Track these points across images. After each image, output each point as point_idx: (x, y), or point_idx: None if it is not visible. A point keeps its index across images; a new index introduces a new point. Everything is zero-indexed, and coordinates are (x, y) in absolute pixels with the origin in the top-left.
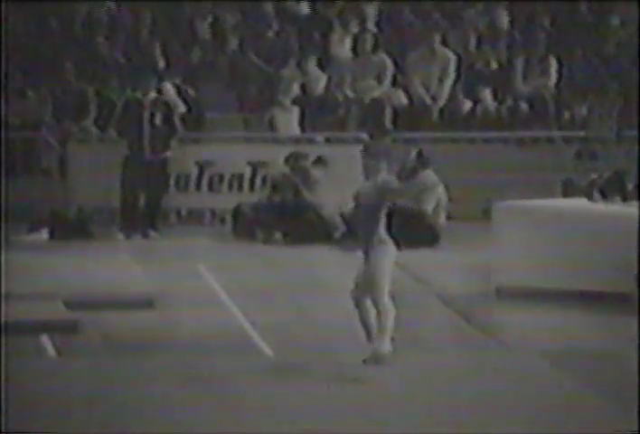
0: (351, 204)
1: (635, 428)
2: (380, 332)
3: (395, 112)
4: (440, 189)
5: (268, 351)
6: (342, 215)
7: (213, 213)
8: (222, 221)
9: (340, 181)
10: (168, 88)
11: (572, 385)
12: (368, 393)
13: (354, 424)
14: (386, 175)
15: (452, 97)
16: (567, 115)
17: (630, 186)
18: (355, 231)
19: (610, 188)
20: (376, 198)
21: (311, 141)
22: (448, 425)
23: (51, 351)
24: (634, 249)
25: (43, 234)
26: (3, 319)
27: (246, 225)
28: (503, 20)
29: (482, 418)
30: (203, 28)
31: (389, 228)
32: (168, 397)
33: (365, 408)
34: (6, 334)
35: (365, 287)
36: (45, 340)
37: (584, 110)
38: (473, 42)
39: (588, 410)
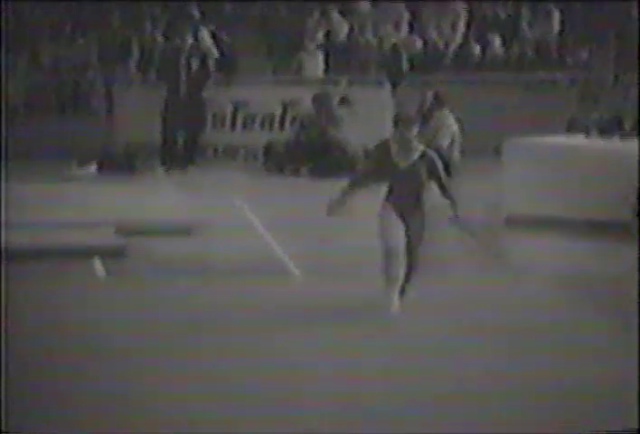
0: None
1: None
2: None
3: (412, 56)
4: (455, 127)
5: (296, 272)
6: (365, 151)
7: (247, 150)
8: (255, 156)
9: (362, 119)
10: (204, 34)
11: (577, 304)
12: (385, 315)
13: (369, 345)
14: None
15: (464, 43)
16: (569, 59)
17: (627, 126)
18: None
19: (610, 127)
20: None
21: (335, 83)
22: (463, 346)
23: (101, 272)
24: (631, 181)
25: (92, 168)
26: (57, 244)
27: (276, 160)
28: None
29: (495, 337)
30: None
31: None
32: (206, 313)
33: (382, 330)
34: (61, 258)
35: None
36: (97, 263)
37: (585, 55)
38: None
39: (591, 325)
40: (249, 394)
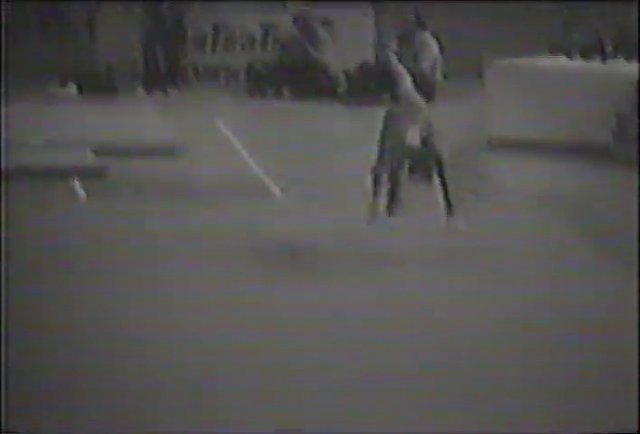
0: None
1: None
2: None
3: None
4: (436, 50)
5: (277, 193)
6: (345, 73)
7: (228, 71)
8: (236, 78)
9: (343, 41)
10: None
11: (559, 223)
12: (370, 242)
13: (353, 270)
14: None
15: None
16: None
17: (609, 48)
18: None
19: (591, 49)
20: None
21: (317, 4)
22: (449, 267)
23: (81, 194)
24: (613, 104)
25: (73, 89)
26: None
27: (258, 82)
28: None
29: (479, 256)
30: None
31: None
32: (188, 235)
33: (366, 255)
34: (41, 178)
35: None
36: (76, 184)
37: None
38: None
39: (572, 242)
40: (226, 317)
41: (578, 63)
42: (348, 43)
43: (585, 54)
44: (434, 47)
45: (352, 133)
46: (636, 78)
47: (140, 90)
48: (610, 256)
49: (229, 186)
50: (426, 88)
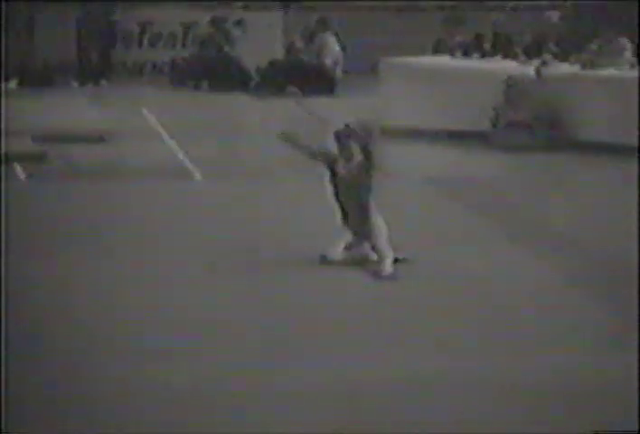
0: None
1: None
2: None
3: None
4: (337, 48)
5: (198, 176)
6: (257, 68)
7: (153, 66)
8: (160, 71)
9: (255, 40)
10: None
11: (443, 199)
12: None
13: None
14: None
15: None
16: None
17: (487, 46)
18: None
19: (471, 48)
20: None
21: (231, 6)
22: None
23: (22, 176)
24: (490, 96)
25: (13, 82)
26: None
27: (180, 76)
28: None
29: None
30: None
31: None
32: (120, 211)
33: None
34: None
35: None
36: (18, 168)
37: None
38: None
39: (462, 218)
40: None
41: (459, 61)
42: (259, 42)
43: (466, 53)
44: (335, 45)
45: (262, 121)
46: (511, 73)
47: (74, 83)
48: (483, 218)
49: (154, 168)
50: (327, 81)
